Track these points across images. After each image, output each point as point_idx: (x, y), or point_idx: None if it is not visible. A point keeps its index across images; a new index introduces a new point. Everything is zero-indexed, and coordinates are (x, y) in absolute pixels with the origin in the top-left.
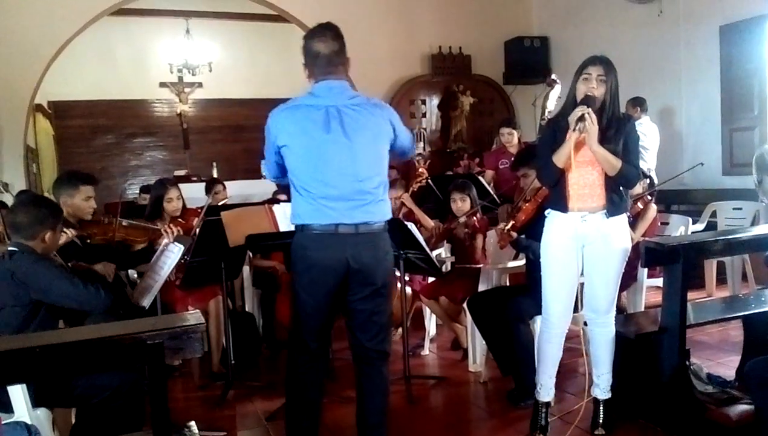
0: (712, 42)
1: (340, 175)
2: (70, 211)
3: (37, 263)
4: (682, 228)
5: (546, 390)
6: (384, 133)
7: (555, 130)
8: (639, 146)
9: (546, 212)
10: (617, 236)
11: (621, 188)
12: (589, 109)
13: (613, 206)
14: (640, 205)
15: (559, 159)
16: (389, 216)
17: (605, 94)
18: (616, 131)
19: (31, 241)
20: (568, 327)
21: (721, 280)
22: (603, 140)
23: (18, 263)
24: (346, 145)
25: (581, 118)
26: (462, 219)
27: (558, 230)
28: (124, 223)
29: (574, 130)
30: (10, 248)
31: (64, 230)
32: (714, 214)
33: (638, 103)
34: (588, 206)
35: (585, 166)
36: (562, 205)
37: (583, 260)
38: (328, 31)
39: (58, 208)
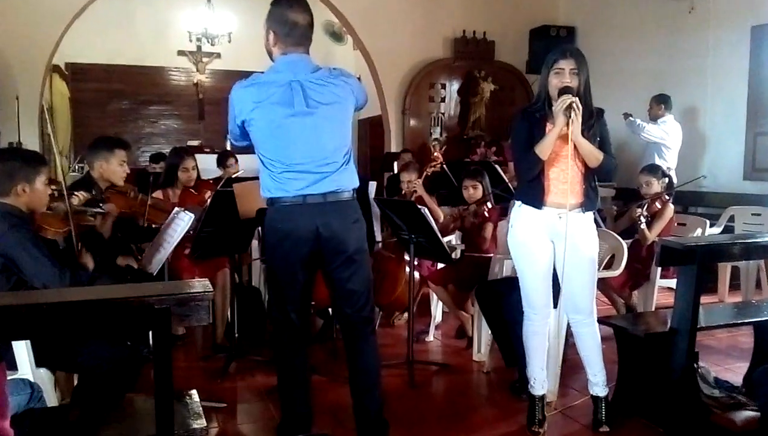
0: (742, 42)
1: (306, 150)
2: (104, 175)
3: (11, 230)
4: (698, 230)
5: (540, 383)
6: (348, 102)
7: (530, 123)
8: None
9: (516, 205)
10: (590, 232)
11: (594, 184)
12: (576, 99)
13: (589, 202)
14: (658, 204)
15: (543, 151)
16: (356, 184)
17: (578, 86)
18: (593, 125)
19: (6, 198)
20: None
21: (734, 286)
22: (582, 133)
23: None
24: (310, 120)
25: (569, 107)
26: (472, 207)
27: (531, 226)
28: (150, 201)
29: (569, 118)
30: None
31: (75, 193)
32: (732, 218)
33: (662, 100)
34: (566, 203)
35: (566, 160)
36: (536, 201)
37: (558, 259)
38: (303, 2)
39: (31, 158)
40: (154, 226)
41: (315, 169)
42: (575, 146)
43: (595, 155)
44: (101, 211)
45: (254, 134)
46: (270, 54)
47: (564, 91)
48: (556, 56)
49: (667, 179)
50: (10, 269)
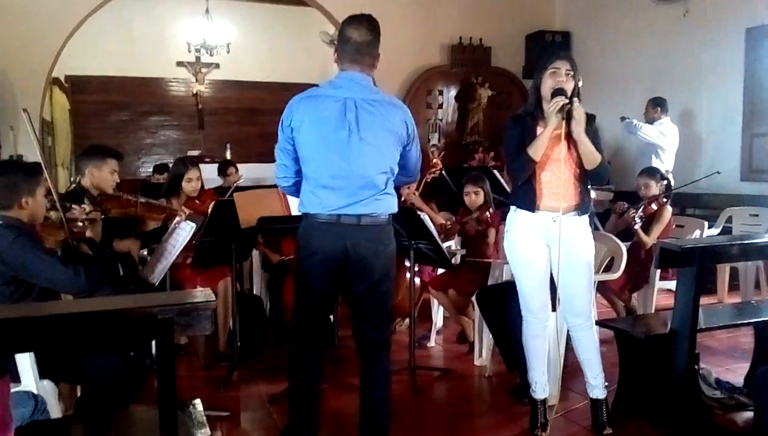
0: (737, 45)
1: (348, 170)
2: (95, 182)
3: (16, 240)
4: (697, 232)
5: (541, 387)
6: (397, 132)
7: (522, 128)
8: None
9: (512, 209)
10: (586, 235)
11: (588, 188)
12: (575, 100)
13: (584, 205)
14: (654, 206)
15: (536, 151)
16: (394, 209)
17: (573, 89)
18: (586, 130)
19: (10, 211)
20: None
21: (733, 286)
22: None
23: (1, 241)
24: (356, 142)
25: (562, 109)
26: (474, 214)
27: (526, 229)
28: (143, 200)
29: (562, 120)
30: None
31: (74, 206)
32: (730, 219)
33: (658, 103)
34: (560, 206)
35: (558, 163)
36: (530, 204)
37: (554, 262)
38: (365, 21)
39: (31, 170)
40: (152, 226)
41: (354, 190)
42: (568, 149)
43: (594, 156)
44: (88, 217)
45: (299, 143)
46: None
47: (557, 92)
48: (552, 58)
49: (665, 182)
50: (18, 281)
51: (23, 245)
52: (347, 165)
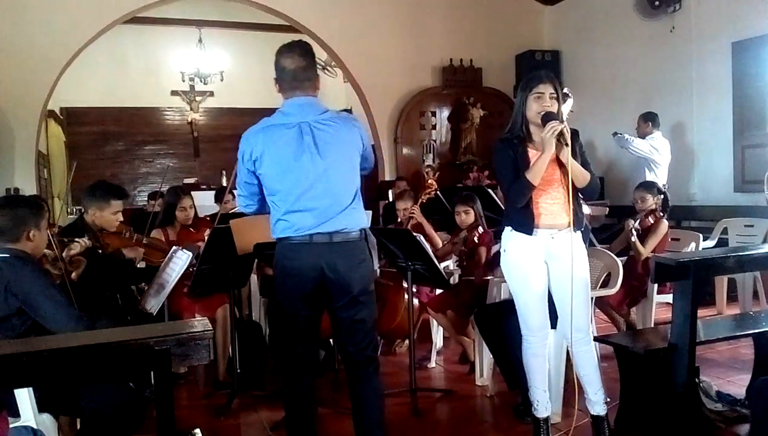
0: (724, 58)
1: (315, 191)
2: (97, 222)
3: (32, 274)
4: (692, 244)
5: (543, 405)
6: (354, 145)
7: (513, 151)
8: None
9: (507, 229)
10: (581, 250)
11: (580, 203)
12: (565, 125)
13: (578, 221)
14: (651, 219)
15: (535, 177)
16: (364, 224)
17: (558, 111)
18: (572, 147)
19: (17, 243)
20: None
21: (732, 297)
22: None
23: (12, 272)
24: (319, 162)
25: (562, 133)
26: (462, 234)
27: (523, 248)
28: (145, 240)
29: (565, 144)
30: (1, 255)
31: (76, 239)
32: (725, 231)
33: (650, 118)
34: (558, 224)
35: (552, 184)
36: (527, 227)
37: (552, 279)
38: (296, 47)
39: (36, 204)
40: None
41: (323, 209)
42: (561, 169)
43: (583, 175)
44: (73, 259)
45: (264, 175)
46: None
47: (548, 116)
48: (534, 81)
49: (662, 196)
50: (25, 313)
51: (39, 282)
52: (314, 187)
